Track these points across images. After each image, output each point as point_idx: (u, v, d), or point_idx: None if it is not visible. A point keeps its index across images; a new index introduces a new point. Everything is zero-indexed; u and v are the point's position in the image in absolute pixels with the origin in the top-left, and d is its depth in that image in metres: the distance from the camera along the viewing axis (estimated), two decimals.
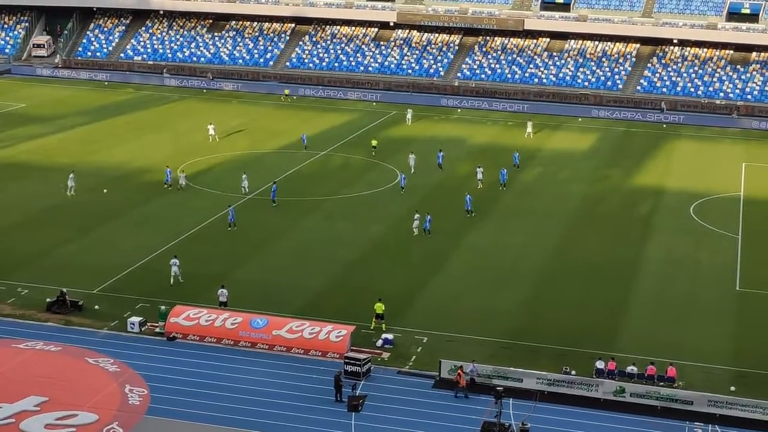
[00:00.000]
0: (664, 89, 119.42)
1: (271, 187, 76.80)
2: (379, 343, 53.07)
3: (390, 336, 53.52)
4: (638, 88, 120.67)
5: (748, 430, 45.54)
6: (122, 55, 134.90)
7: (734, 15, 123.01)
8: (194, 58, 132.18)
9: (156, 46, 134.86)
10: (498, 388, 45.04)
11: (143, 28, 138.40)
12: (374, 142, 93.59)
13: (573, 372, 49.42)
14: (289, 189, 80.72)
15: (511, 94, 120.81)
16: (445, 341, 53.85)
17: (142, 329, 53.99)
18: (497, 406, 44.43)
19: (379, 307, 55.15)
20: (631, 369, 50.07)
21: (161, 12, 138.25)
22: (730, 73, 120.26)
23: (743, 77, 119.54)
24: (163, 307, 54.75)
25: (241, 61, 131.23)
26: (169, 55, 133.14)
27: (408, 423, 45.54)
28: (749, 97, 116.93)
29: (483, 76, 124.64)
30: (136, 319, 54.22)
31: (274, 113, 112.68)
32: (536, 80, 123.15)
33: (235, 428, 44.43)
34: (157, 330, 53.96)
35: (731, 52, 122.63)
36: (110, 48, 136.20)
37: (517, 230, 72.75)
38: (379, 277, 62.96)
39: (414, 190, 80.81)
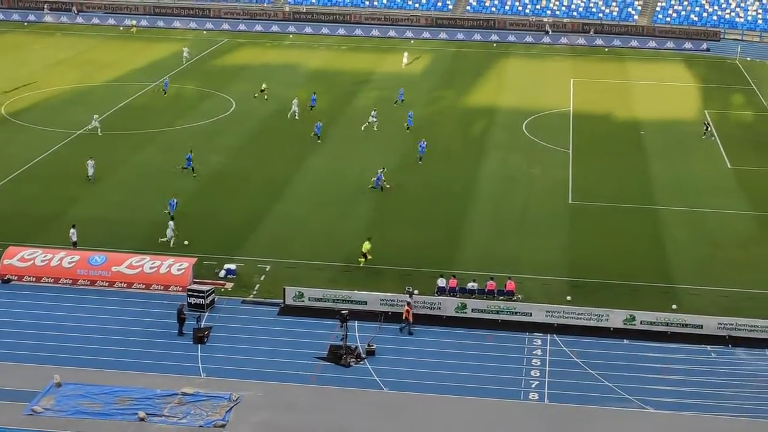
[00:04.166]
0: (494, 9, 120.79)
1: None
2: (222, 273, 52.71)
3: (232, 266, 53.20)
4: (468, 8, 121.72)
5: (585, 337, 47.32)
6: None
7: None
8: None
9: None
10: (343, 312, 45.50)
11: None
12: (264, 86, 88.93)
13: (416, 291, 50.18)
14: (121, 122, 78.78)
15: (343, 18, 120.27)
16: (287, 268, 53.93)
17: None
18: (343, 329, 44.94)
19: (365, 246, 54.71)
20: (472, 285, 51.19)
21: None
22: None
23: None
24: None
25: None
26: None
27: (255, 351, 45.61)
28: (575, 14, 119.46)
29: (314, 0, 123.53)
30: None
31: (101, 45, 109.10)
32: (367, 3, 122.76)
33: (77, 368, 43.59)
34: None
35: None
36: None
37: (355, 155, 72.92)
38: (220, 208, 62.35)
39: (248, 119, 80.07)
